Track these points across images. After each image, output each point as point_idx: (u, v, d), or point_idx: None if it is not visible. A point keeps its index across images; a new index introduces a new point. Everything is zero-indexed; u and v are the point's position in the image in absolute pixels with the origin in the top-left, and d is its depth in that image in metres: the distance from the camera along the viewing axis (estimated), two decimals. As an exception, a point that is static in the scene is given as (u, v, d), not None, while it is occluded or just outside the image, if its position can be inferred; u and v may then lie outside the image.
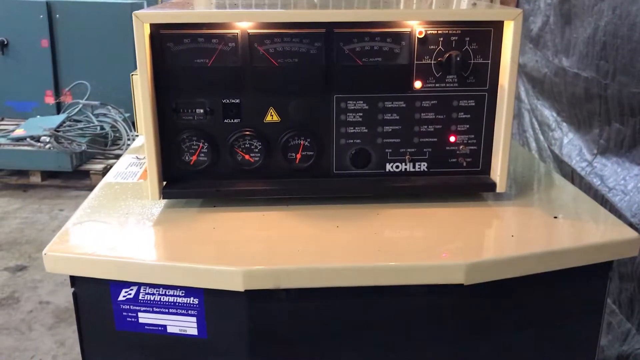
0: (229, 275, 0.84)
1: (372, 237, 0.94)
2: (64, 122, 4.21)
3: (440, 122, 1.04)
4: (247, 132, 1.02)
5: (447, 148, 1.06)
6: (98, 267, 0.88)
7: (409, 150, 1.05)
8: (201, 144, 1.02)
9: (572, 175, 1.77)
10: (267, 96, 1.01)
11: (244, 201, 1.05)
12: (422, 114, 1.04)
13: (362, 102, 1.02)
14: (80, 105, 4.29)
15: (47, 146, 3.97)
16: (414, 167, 1.06)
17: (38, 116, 4.52)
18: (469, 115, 1.04)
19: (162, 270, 0.87)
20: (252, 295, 0.86)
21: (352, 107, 1.03)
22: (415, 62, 1.01)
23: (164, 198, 1.02)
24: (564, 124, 1.91)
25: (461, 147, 1.05)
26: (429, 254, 0.89)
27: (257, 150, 1.03)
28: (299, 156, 1.04)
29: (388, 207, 1.04)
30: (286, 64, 0.99)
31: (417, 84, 1.02)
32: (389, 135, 1.04)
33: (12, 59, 4.62)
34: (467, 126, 1.05)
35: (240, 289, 0.84)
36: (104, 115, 4.35)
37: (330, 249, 0.90)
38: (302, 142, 1.04)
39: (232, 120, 1.02)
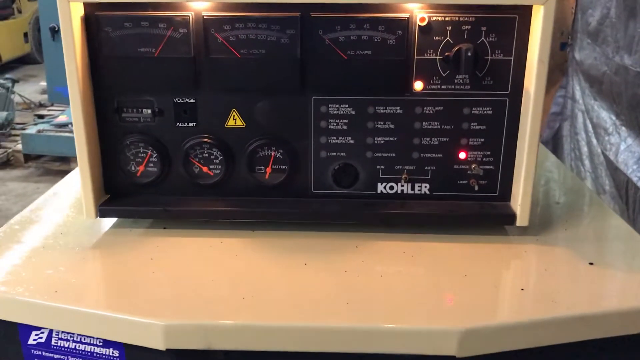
0: (148, 329, 0.65)
1: (344, 282, 0.73)
2: None
3: (447, 133, 0.82)
4: (205, 139, 0.83)
5: (456, 167, 0.83)
6: (3, 307, 0.71)
7: (406, 167, 0.84)
8: (149, 152, 0.84)
9: (626, 186, 1.52)
10: (229, 95, 0.82)
11: (200, 223, 0.86)
12: (423, 123, 0.82)
13: (347, 105, 0.81)
14: None
15: None
16: (412, 189, 0.85)
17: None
18: (484, 127, 0.81)
19: (72, 316, 0.68)
20: (181, 356, 0.67)
21: (335, 112, 0.82)
22: (415, 57, 0.79)
23: (101, 216, 0.84)
24: (623, 128, 1.67)
25: (473, 166, 0.83)
26: (413, 312, 0.68)
27: (217, 161, 0.84)
28: (269, 170, 0.84)
29: (374, 239, 0.82)
30: (251, 56, 0.79)
31: (418, 85, 0.80)
32: (381, 149, 0.83)
33: (62, 45, 4.60)
34: (482, 140, 0.82)
35: (161, 347, 0.65)
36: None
37: (288, 297, 0.70)
38: (273, 153, 0.83)
39: (186, 124, 0.83)
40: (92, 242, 0.82)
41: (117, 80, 0.81)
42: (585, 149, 1.95)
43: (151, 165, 0.84)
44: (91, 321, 0.68)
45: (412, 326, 0.65)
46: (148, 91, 0.82)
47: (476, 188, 0.83)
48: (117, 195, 0.86)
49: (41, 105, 5.23)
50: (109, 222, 0.87)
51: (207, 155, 0.84)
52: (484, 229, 0.84)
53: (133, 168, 0.85)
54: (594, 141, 1.91)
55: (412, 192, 0.85)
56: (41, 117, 4.67)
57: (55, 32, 4.62)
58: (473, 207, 0.84)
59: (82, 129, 0.79)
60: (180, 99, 0.82)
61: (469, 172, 0.83)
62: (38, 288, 0.71)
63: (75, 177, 1.04)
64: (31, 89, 5.80)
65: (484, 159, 0.83)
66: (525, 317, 0.66)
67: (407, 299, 0.70)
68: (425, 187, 0.84)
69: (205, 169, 0.84)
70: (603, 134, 1.83)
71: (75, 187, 1.00)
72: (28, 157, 4.12)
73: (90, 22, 0.78)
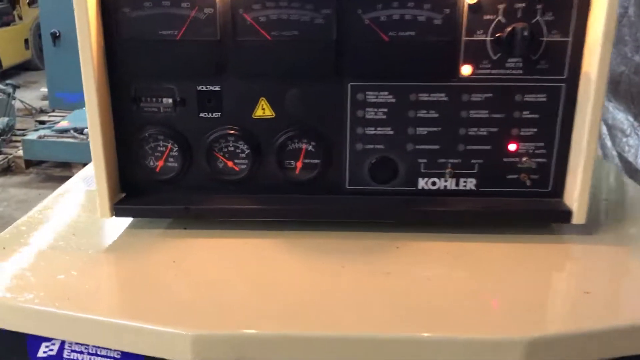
0: (173, 340, 0.58)
1: (388, 287, 0.65)
2: None
3: (497, 123, 0.75)
4: (231, 131, 0.76)
5: (505, 160, 0.76)
6: (10, 315, 0.64)
7: (450, 161, 0.76)
8: (169, 145, 0.77)
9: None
10: (258, 82, 0.74)
11: (223, 223, 0.78)
12: (470, 112, 0.74)
13: (386, 92, 0.74)
14: None
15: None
16: (457, 184, 0.77)
17: (84, 108, 4.45)
18: (537, 115, 0.74)
19: (86, 326, 0.61)
20: (210, 368, 0.59)
21: (374, 100, 0.74)
22: (463, 38, 0.72)
23: (117, 215, 0.77)
24: (642, 129, 1.60)
25: (524, 158, 0.76)
26: (469, 320, 0.60)
27: (243, 155, 0.77)
28: (299, 165, 0.77)
29: (414, 239, 0.75)
30: (283, 39, 0.72)
31: (466, 70, 0.73)
32: (423, 140, 0.76)
33: (63, 51, 4.57)
34: (535, 130, 0.75)
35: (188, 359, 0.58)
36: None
37: (326, 304, 0.63)
38: (304, 146, 0.76)
39: (210, 114, 0.76)
40: (106, 244, 0.75)
41: (135, 66, 0.74)
42: (599, 151, 1.90)
43: (171, 159, 0.77)
44: (108, 331, 0.60)
45: (472, 336, 0.58)
46: (169, 78, 0.74)
47: (528, 183, 0.76)
48: (133, 193, 0.79)
49: (42, 111, 5.17)
50: (124, 222, 0.80)
51: (232, 148, 0.77)
52: (529, 228, 0.77)
53: (152, 163, 0.77)
54: (609, 143, 1.85)
55: (456, 188, 0.77)
56: (42, 123, 4.60)
57: (56, 37, 4.59)
58: (523, 204, 0.76)
59: (97, 120, 0.72)
60: (204, 87, 0.75)
61: (519, 165, 0.76)
62: (48, 295, 0.64)
63: (86, 174, 0.97)
64: (32, 95, 5.73)
65: (536, 151, 0.76)
66: (601, 324, 0.59)
67: (460, 304, 0.62)
68: (471, 182, 0.77)
69: (230, 163, 0.77)
70: (620, 136, 1.77)
71: (86, 185, 0.93)
72: (29, 163, 4.06)
73: (107, 2, 0.71)
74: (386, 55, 0.72)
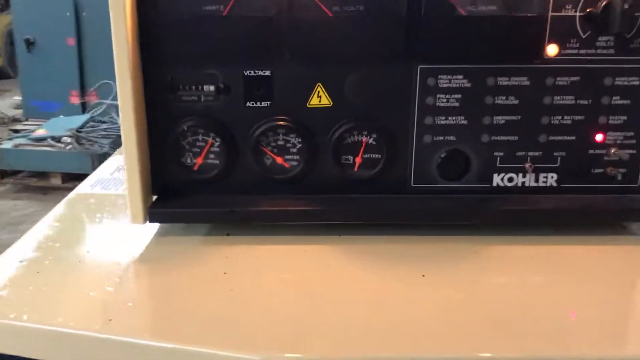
0: (244, 366, 0.48)
1: (486, 299, 0.56)
2: (87, 122, 4.04)
3: (583, 110, 0.66)
4: (281, 123, 0.66)
5: (590, 152, 0.68)
6: (24, 341, 0.53)
7: (530, 154, 0.68)
8: (210, 140, 0.67)
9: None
10: (314, 66, 0.65)
11: (269, 228, 0.68)
12: (555, 98, 0.66)
13: (461, 76, 0.65)
14: (105, 106, 4.10)
15: (68, 147, 3.81)
16: (536, 180, 0.69)
17: (61, 116, 4.31)
18: (628, 101, 0.66)
19: (137, 352, 0.50)
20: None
21: (446, 85, 0.65)
22: (550, 13, 0.63)
23: (150, 221, 0.66)
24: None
25: (613, 150, 0.67)
26: (595, 335, 0.51)
27: (295, 150, 0.67)
28: (358, 160, 0.68)
29: (490, 242, 0.66)
30: (345, 15, 0.63)
31: (551, 50, 0.64)
32: (501, 130, 0.67)
33: (38, 58, 4.42)
34: (625, 118, 0.67)
35: (264, 391, 0.48)
36: (129, 116, 4.11)
37: (417, 320, 0.53)
38: (364, 139, 0.67)
39: (258, 104, 0.66)
40: (141, 253, 0.65)
41: (172, 48, 0.64)
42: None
43: (212, 156, 0.67)
44: (164, 358, 0.50)
45: (608, 354, 0.49)
46: (212, 62, 0.65)
47: (619, 177, 0.68)
48: (166, 195, 0.68)
49: (15, 120, 4.98)
50: (147, 234, 0.69)
51: (282, 142, 0.67)
52: (600, 228, 0.69)
53: (189, 160, 0.67)
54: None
55: (535, 184, 0.69)
56: (16, 131, 4.43)
57: (30, 44, 4.43)
58: (611, 201, 0.68)
59: (130, 111, 0.62)
60: (253, 72, 0.65)
61: (606, 157, 0.68)
62: (82, 316, 0.53)
63: (99, 177, 0.86)
64: (4, 103, 5.54)
65: (625, 141, 0.67)
66: None
67: (577, 317, 0.54)
68: (552, 177, 0.69)
69: (279, 160, 0.67)
70: None
71: (108, 187, 0.82)
72: (4, 173, 3.90)
73: (140, -27, 0.62)
74: (462, 33, 0.63)
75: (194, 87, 0.65)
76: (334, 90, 0.65)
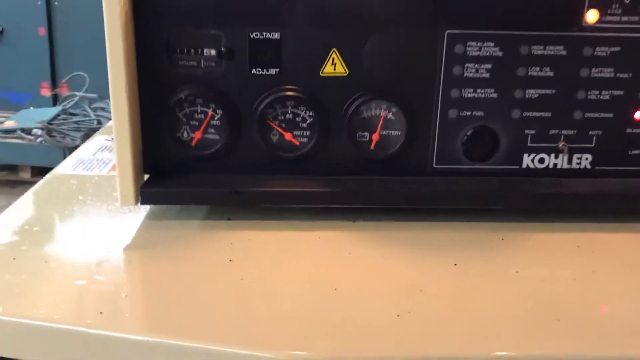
0: (259, 366, 0.41)
1: (531, 290, 0.50)
2: (58, 114, 3.93)
3: (623, 84, 0.60)
4: (290, 93, 0.59)
5: (628, 130, 0.62)
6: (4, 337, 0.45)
7: (564, 132, 0.62)
8: (210, 112, 0.59)
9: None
10: (329, 29, 0.58)
11: (278, 212, 0.61)
12: (592, 70, 0.60)
13: (492, 44, 0.59)
14: (77, 98, 3.98)
15: (39, 140, 3.70)
16: (569, 162, 0.63)
17: (32, 108, 4.18)
18: (671, 75, 0.61)
19: (135, 350, 0.43)
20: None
21: (476, 53, 0.59)
22: (591, -25, 0.57)
23: (142, 203, 0.58)
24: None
25: (653, 129, 0.62)
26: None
27: (305, 125, 0.60)
28: (375, 138, 0.61)
29: (520, 230, 0.60)
30: (365, -28, 0.56)
31: (591, 16, 0.58)
32: (533, 105, 0.61)
33: (7, 48, 4.27)
34: (667, 94, 0.61)
35: (282, 395, 0.41)
36: (102, 109, 4.00)
37: (457, 315, 0.46)
38: (383, 112, 0.60)
39: (265, 71, 0.58)
40: (132, 238, 0.57)
41: (168, 6, 0.56)
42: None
43: (212, 130, 0.60)
44: (168, 356, 0.43)
45: None
46: (213, 22, 0.57)
47: (662, 159, 0.62)
48: (162, 173, 0.61)
49: (-18, 112, 4.83)
50: (136, 218, 0.61)
51: (291, 116, 0.60)
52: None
53: (186, 135, 0.60)
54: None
55: (568, 166, 0.63)
56: (-16, 124, 4.29)
57: (-1, 33, 4.30)
58: (651, 185, 0.62)
59: (122, 78, 0.54)
60: (259, 34, 0.57)
61: (645, 138, 0.62)
62: (68, 308, 0.46)
63: (79, 157, 0.78)
64: (-29, 95, 5.36)
65: (666, 120, 0.62)
66: None
67: (611, 312, 0.48)
68: (586, 159, 0.63)
69: (288, 135, 0.60)
70: None
71: (91, 168, 0.74)
72: (-29, 167, 3.77)
73: None
74: (495, -4, 0.57)
75: (192, 50, 0.58)
76: (351, 58, 0.58)
